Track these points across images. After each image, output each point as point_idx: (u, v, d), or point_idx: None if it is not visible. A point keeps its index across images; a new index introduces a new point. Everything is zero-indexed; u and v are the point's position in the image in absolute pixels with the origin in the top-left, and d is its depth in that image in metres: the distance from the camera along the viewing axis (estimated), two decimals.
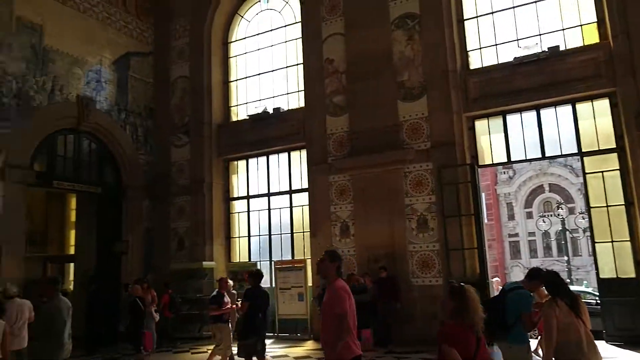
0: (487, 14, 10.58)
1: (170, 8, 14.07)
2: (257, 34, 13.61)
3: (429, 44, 10.47)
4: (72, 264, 14.32)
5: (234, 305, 8.40)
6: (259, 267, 10.84)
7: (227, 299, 8.05)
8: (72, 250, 14.63)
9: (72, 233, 14.75)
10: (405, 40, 10.74)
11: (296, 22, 12.83)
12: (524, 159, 10.55)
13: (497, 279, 14.48)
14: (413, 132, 10.43)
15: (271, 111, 12.63)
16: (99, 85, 12.27)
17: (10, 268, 9.74)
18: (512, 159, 10.50)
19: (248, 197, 13.18)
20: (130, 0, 13.48)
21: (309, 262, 11.14)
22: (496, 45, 10.42)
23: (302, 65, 12.30)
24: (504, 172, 40.63)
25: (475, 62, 10.59)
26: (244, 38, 13.84)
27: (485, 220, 11.55)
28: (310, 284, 11.07)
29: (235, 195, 13.44)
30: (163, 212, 13.27)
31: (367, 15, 11.11)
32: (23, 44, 10.63)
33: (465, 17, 10.75)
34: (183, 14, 13.94)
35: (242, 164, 13.44)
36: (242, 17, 13.99)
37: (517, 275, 34.05)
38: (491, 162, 10.74)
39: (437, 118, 10.21)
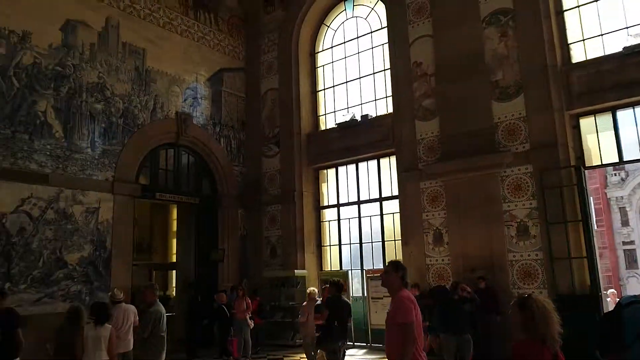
0: (589, 3, 9.75)
1: (260, 24, 14.55)
2: (344, 42, 13.65)
3: (525, 39, 9.82)
4: (174, 272, 15.18)
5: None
6: (342, 278, 10.69)
7: None
8: (174, 258, 15.51)
9: (174, 242, 15.64)
10: (498, 38, 10.18)
11: (382, 28, 12.69)
12: (639, 158, 9.54)
13: (612, 291, 13.22)
14: (510, 133, 9.83)
15: (359, 118, 12.56)
16: (195, 102, 12.95)
17: (120, 275, 10.47)
18: (625, 159, 9.46)
19: (338, 205, 13.17)
20: (223, 19, 14.15)
21: None
22: (602, 35, 9.53)
23: (389, 70, 12.11)
24: (615, 174, 37.12)
25: (578, 56, 9.75)
26: (331, 47, 13.95)
27: (595, 227, 10.54)
28: None
29: (326, 204, 13.49)
30: (255, 221, 13.64)
31: (456, 15, 10.68)
32: (128, 67, 11.50)
33: (564, 8, 9.99)
34: (271, 29, 14.35)
35: (331, 172, 13.48)
36: (328, 27, 14.11)
37: (634, 287, 30.90)
38: (600, 163, 9.76)
39: (537, 117, 9.52)
